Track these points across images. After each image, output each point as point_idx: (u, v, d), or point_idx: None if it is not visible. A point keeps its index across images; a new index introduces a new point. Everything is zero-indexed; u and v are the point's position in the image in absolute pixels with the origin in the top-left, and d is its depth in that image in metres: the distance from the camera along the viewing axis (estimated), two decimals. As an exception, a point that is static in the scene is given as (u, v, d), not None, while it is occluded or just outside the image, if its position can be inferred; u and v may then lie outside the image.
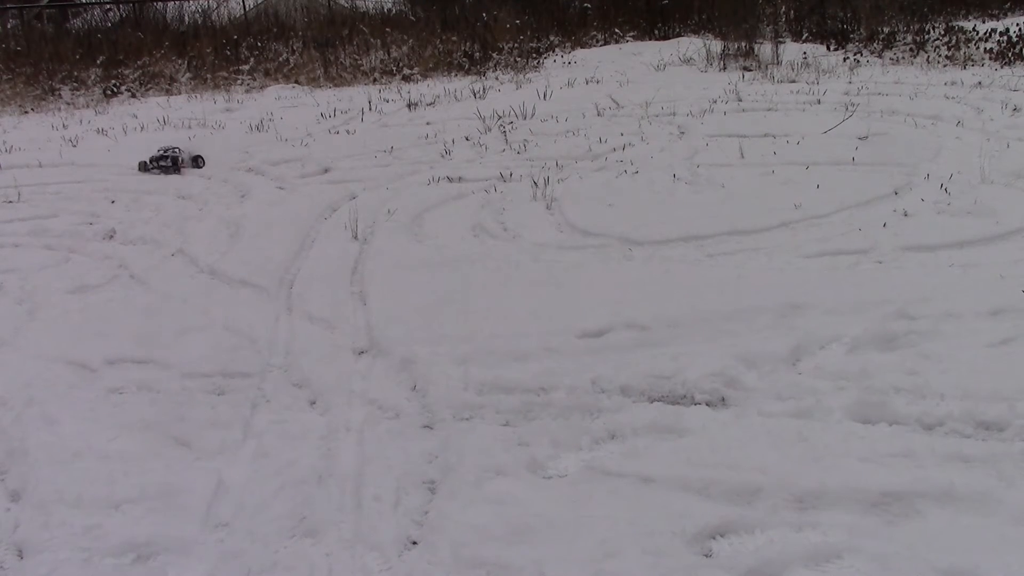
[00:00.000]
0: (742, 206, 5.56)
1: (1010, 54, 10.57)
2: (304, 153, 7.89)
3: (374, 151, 7.82)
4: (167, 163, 7.54)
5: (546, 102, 9.46)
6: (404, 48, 13.72)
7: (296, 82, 12.63)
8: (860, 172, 6.16)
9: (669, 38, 13.86)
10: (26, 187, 7.20)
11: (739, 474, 2.86)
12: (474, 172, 6.88)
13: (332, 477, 3.04)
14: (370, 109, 9.99)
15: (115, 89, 12.45)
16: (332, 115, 9.73)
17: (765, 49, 11.57)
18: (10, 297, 4.93)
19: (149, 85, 12.79)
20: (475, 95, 10.35)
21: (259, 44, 14.09)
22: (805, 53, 11.45)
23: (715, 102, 8.78)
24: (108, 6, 17.29)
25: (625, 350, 3.79)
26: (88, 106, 11.76)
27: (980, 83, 9.07)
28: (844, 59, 11.23)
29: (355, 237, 5.57)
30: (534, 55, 13.20)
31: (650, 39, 14.01)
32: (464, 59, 13.10)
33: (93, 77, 12.85)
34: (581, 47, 13.70)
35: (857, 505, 2.67)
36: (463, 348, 3.86)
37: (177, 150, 7.65)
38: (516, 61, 12.92)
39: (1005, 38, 11.11)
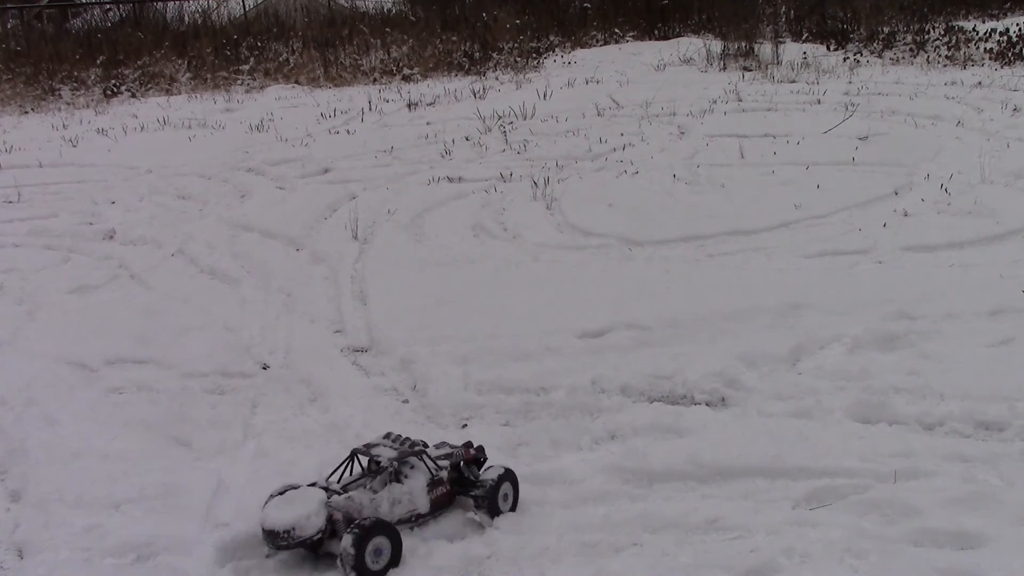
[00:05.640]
0: (742, 206, 5.56)
1: (1010, 54, 10.57)
2: (304, 153, 7.88)
3: (374, 151, 7.82)
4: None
5: (546, 102, 9.46)
6: (404, 48, 13.72)
7: (296, 82, 12.63)
8: (860, 172, 6.16)
9: (669, 38, 13.85)
10: (26, 187, 7.19)
11: (739, 474, 2.87)
12: (474, 172, 6.88)
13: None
14: (370, 109, 9.98)
15: (115, 89, 12.45)
16: (332, 115, 9.72)
17: (765, 49, 11.57)
18: (10, 297, 4.92)
19: (149, 85, 12.79)
20: (475, 95, 10.34)
21: (259, 44, 14.09)
22: (805, 53, 11.44)
23: (715, 102, 8.77)
24: (108, 6, 17.29)
25: (625, 350, 3.79)
26: (88, 106, 11.75)
27: (980, 83, 9.07)
28: (844, 59, 11.23)
29: (355, 237, 5.57)
30: (534, 55, 13.20)
31: (650, 39, 14.01)
32: (464, 59, 13.09)
33: (93, 77, 12.85)
34: (581, 47, 13.69)
35: (857, 505, 2.67)
36: (463, 348, 3.86)
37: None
38: (516, 61, 12.92)
39: (1005, 38, 11.11)
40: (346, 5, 17.95)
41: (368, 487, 2.60)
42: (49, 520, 2.83)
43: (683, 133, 7.63)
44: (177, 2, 16.81)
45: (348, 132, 8.77)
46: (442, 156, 7.48)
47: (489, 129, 8.32)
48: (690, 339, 3.85)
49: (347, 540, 2.37)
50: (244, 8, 17.36)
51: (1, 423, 3.49)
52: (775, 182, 6.05)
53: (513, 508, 2.74)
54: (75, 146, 8.83)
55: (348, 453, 2.72)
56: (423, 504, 2.64)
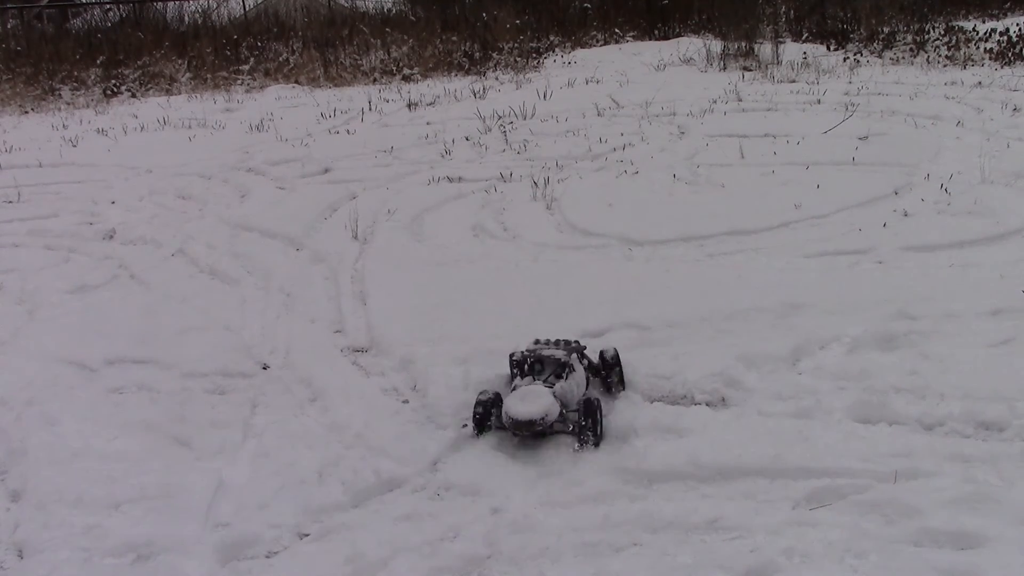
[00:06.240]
0: (742, 206, 5.56)
1: (1010, 54, 10.57)
2: (304, 153, 7.88)
3: (374, 151, 7.82)
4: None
5: (546, 102, 9.46)
6: (404, 48, 13.72)
7: (296, 82, 12.63)
8: (860, 172, 6.15)
9: (669, 38, 13.86)
10: (26, 187, 7.19)
11: (739, 474, 2.87)
12: (474, 172, 6.88)
13: (332, 477, 3.04)
14: (370, 109, 9.98)
15: (115, 89, 12.46)
16: (332, 115, 9.73)
17: (765, 49, 11.57)
18: (10, 297, 4.92)
19: (149, 85, 12.79)
20: (475, 95, 10.35)
21: (259, 44, 14.10)
22: (805, 53, 11.45)
23: (715, 102, 8.78)
24: (108, 6, 17.29)
25: (625, 350, 3.78)
26: (88, 106, 11.76)
27: (980, 83, 9.07)
28: (844, 59, 11.23)
29: (355, 237, 5.57)
30: (534, 55, 13.20)
31: (650, 39, 14.02)
32: (464, 59, 13.10)
33: (93, 77, 12.85)
34: (581, 47, 13.70)
35: (857, 505, 2.67)
36: (463, 348, 3.86)
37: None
38: (516, 61, 12.92)
39: (1005, 38, 11.11)
40: (346, 5, 17.96)
41: (558, 382, 3.26)
42: (49, 520, 2.83)
43: (683, 133, 7.63)
44: (177, 2, 16.82)
45: (348, 132, 8.77)
46: (442, 156, 7.49)
47: (489, 129, 8.32)
48: (690, 339, 3.85)
49: (586, 417, 3.12)
50: (244, 8, 17.37)
51: (1, 423, 3.50)
52: (775, 182, 6.05)
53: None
54: (75, 146, 8.83)
55: (508, 358, 3.46)
56: (584, 387, 3.38)
